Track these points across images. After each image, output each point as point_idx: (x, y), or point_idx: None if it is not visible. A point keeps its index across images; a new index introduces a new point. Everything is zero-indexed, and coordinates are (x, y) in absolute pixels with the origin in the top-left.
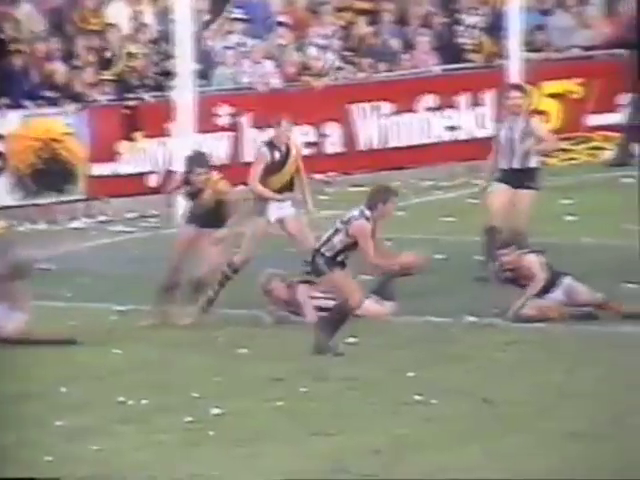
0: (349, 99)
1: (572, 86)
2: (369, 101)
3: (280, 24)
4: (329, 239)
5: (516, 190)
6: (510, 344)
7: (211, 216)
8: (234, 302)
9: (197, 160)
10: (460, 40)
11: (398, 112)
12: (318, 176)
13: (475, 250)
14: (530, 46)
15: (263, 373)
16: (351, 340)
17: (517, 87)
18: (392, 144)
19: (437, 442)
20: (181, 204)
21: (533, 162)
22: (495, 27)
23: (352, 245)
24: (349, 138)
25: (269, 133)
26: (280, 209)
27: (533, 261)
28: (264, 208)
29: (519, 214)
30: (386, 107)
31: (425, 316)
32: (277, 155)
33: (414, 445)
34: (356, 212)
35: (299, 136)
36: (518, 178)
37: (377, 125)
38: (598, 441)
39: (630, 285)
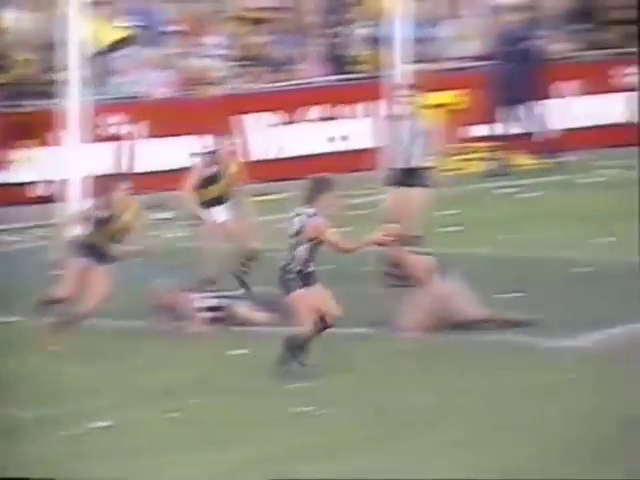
0: (243, 109)
1: (456, 97)
2: (262, 111)
3: (175, 32)
4: (292, 255)
5: (409, 189)
6: (397, 353)
7: (107, 247)
8: (124, 312)
9: (119, 177)
10: (350, 51)
11: (290, 122)
12: None
13: (366, 260)
14: (417, 57)
15: (155, 384)
16: (241, 351)
17: (410, 87)
18: (284, 154)
19: (328, 451)
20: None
21: (425, 161)
22: (383, 38)
23: (317, 245)
24: (243, 148)
25: (164, 142)
26: (218, 213)
27: (420, 265)
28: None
29: (412, 212)
30: (278, 117)
31: None
32: (214, 167)
33: (306, 454)
34: (300, 218)
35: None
36: (411, 177)
37: (270, 135)
38: (481, 448)
39: (506, 295)
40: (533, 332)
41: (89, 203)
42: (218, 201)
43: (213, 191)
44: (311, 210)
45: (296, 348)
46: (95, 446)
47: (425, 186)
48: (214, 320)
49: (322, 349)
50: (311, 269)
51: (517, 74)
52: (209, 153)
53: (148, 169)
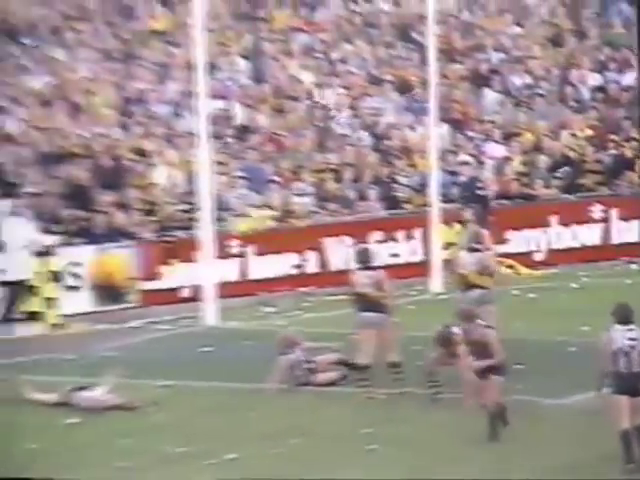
0: (323, 234)
1: None
2: (336, 236)
3: (272, 182)
4: None
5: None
6: None
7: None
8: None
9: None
10: (397, 194)
11: (356, 244)
12: (302, 289)
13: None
14: (444, 198)
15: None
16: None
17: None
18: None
19: None
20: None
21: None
22: (421, 185)
23: None
24: (323, 262)
25: (270, 260)
26: None
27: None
28: None
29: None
30: (348, 240)
31: None
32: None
33: None
34: None
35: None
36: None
37: (342, 253)
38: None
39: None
40: (535, 393)
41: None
42: None
43: None
44: None
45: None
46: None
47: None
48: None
49: None
50: None
51: (476, 213)
52: None
53: (258, 277)
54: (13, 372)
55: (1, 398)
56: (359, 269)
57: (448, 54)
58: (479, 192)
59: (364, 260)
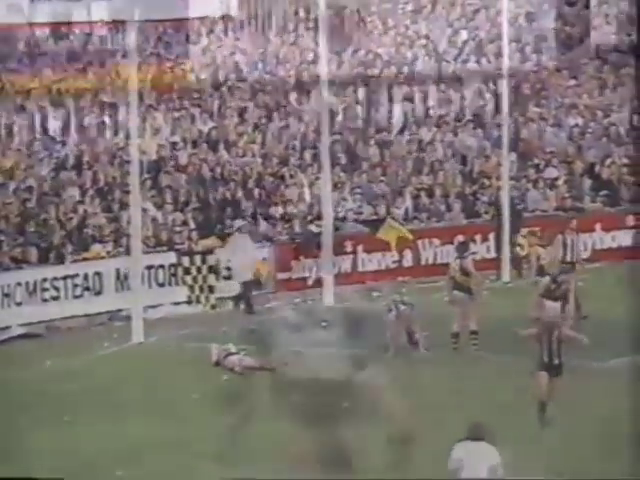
0: (417, 237)
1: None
2: (427, 238)
3: (379, 197)
4: None
5: None
6: None
7: None
8: None
9: None
10: (475, 208)
11: (443, 244)
12: (400, 278)
13: None
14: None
15: None
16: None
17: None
18: (439, 262)
19: None
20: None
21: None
22: (495, 202)
23: None
24: (417, 258)
25: (375, 256)
26: None
27: None
28: None
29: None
30: (437, 241)
31: None
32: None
33: None
34: None
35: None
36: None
37: (432, 251)
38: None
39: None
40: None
41: None
42: None
43: None
44: None
45: None
46: None
47: None
48: None
49: None
50: None
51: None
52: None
53: (366, 269)
54: (185, 340)
55: (182, 360)
56: (456, 258)
57: (518, 100)
58: (516, 207)
59: (460, 251)
